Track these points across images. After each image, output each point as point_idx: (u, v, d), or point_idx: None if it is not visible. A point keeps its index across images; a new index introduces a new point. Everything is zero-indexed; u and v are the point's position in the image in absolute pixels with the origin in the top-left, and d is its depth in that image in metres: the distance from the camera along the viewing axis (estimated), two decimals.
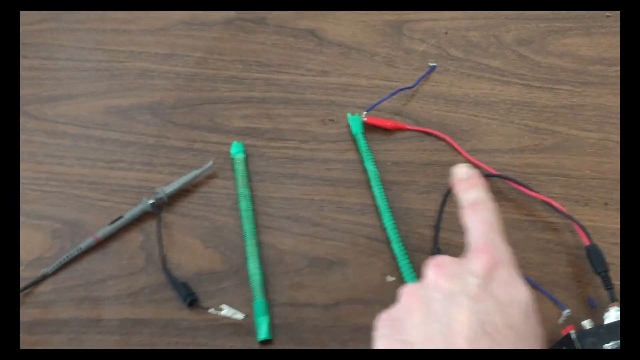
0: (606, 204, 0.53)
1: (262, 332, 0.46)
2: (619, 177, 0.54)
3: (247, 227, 0.51)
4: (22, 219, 0.51)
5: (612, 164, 0.55)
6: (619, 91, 0.59)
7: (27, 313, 0.48)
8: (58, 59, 0.60)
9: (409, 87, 0.59)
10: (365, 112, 0.56)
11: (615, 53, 0.61)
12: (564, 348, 0.42)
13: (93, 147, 0.55)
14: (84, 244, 0.49)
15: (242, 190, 0.52)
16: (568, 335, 0.42)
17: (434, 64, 0.60)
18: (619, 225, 0.52)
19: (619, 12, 0.63)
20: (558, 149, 0.56)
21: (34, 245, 0.50)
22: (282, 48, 0.61)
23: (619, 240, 0.51)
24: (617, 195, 0.53)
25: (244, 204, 0.52)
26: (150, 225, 0.51)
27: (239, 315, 0.46)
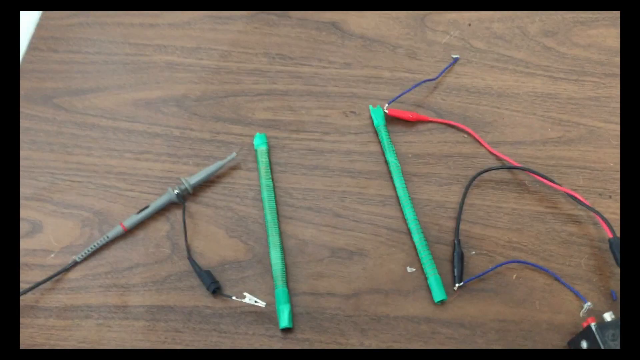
0: None
1: (284, 321, 0.47)
2: None
3: (270, 217, 0.51)
4: (52, 208, 0.53)
5: None
6: None
7: (57, 299, 0.49)
8: (87, 52, 0.62)
9: (432, 79, 0.59)
10: (387, 104, 0.56)
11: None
12: (582, 342, 0.42)
13: (120, 138, 0.57)
14: (112, 233, 0.51)
15: (265, 181, 0.53)
16: (589, 327, 0.42)
17: (457, 56, 0.60)
18: None
19: None
20: (582, 141, 0.55)
21: (64, 233, 0.52)
22: (305, 41, 0.62)
23: None
24: None
25: (267, 195, 0.52)
26: (176, 215, 0.53)
27: (261, 304, 0.47)
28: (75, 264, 0.50)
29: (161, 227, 0.52)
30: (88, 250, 0.50)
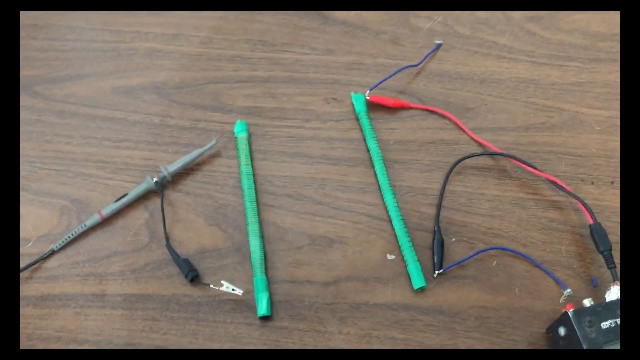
0: (612, 182, 0.52)
1: (262, 308, 0.47)
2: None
3: (249, 205, 0.51)
4: (30, 196, 0.53)
5: (619, 142, 0.54)
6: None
7: (34, 288, 0.49)
8: (67, 40, 0.61)
9: (414, 65, 0.58)
10: (368, 91, 0.56)
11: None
12: (560, 328, 0.42)
13: (100, 126, 0.56)
14: (90, 221, 0.50)
15: (245, 168, 0.53)
16: (566, 314, 0.41)
17: (440, 42, 0.60)
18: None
19: None
20: (565, 127, 0.55)
21: (42, 222, 0.52)
22: (287, 27, 0.61)
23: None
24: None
25: (246, 183, 0.52)
26: (155, 203, 0.52)
27: (238, 291, 0.46)
28: (53, 252, 0.50)
29: (140, 216, 0.52)
30: (66, 239, 0.50)
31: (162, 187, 0.52)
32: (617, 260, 0.47)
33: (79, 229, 0.50)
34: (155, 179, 0.51)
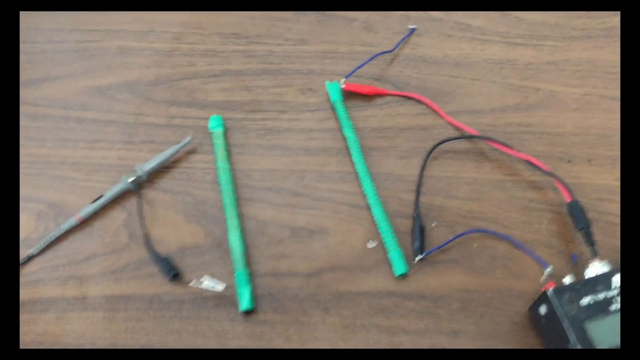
0: (590, 159, 0.52)
1: (244, 303, 0.46)
2: (602, 132, 0.53)
3: (228, 200, 0.51)
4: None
5: (596, 119, 0.54)
6: (603, 44, 0.57)
7: None
8: (36, 42, 0.60)
9: (388, 52, 0.58)
10: (343, 79, 0.56)
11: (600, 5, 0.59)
12: (542, 306, 0.42)
13: (73, 128, 0.55)
14: (67, 224, 0.50)
15: (222, 163, 0.52)
16: (545, 292, 0.41)
17: (414, 27, 0.59)
18: (603, 182, 0.51)
19: None
20: (541, 106, 0.55)
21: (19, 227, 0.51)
22: (259, 19, 0.61)
23: (602, 196, 0.50)
24: (601, 151, 0.52)
25: (224, 178, 0.52)
26: (132, 203, 0.52)
27: (220, 287, 0.46)
28: (31, 257, 0.49)
29: (118, 216, 0.51)
30: (43, 243, 0.49)
31: (138, 186, 0.51)
32: (597, 237, 0.47)
33: (56, 233, 0.50)
34: (131, 179, 0.51)
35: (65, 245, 0.50)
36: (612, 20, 0.59)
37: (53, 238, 0.50)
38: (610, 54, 0.57)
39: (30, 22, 0.61)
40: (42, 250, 0.50)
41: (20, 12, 0.62)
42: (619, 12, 0.59)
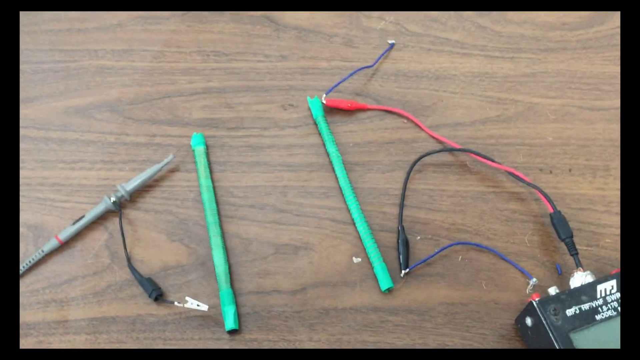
0: (570, 169, 0.52)
1: (229, 323, 0.46)
2: (582, 142, 0.54)
3: (210, 218, 0.50)
4: None
5: (575, 129, 0.54)
6: (580, 56, 0.58)
7: None
8: None
9: (368, 67, 0.58)
10: (324, 95, 0.56)
11: (575, 17, 0.60)
12: (526, 319, 0.42)
13: (53, 148, 0.55)
14: (47, 247, 0.49)
15: (204, 181, 0.52)
16: (531, 303, 0.42)
17: (393, 42, 0.60)
18: (583, 191, 0.52)
19: None
20: (520, 118, 0.55)
21: None
22: (239, 36, 0.61)
23: (583, 206, 0.51)
24: (581, 161, 0.53)
25: (207, 196, 0.51)
26: (114, 223, 0.51)
27: (203, 307, 0.45)
28: None
29: (99, 237, 0.51)
30: (24, 267, 0.49)
31: (120, 206, 0.51)
32: (580, 247, 0.48)
33: (37, 256, 0.49)
34: (112, 199, 0.50)
35: (46, 268, 0.49)
36: (587, 32, 0.59)
37: (34, 261, 0.49)
38: (587, 65, 0.58)
39: None
40: (22, 274, 0.49)
41: None
42: (595, 24, 0.60)
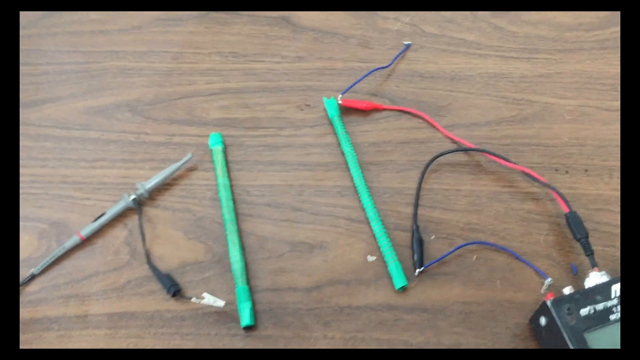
0: (586, 170, 0.52)
1: (245, 319, 0.47)
2: (598, 143, 0.54)
3: (228, 216, 0.51)
4: None
5: (591, 130, 0.54)
6: (597, 56, 0.58)
7: None
8: (38, 64, 0.61)
9: (384, 67, 0.58)
10: (340, 95, 0.56)
11: (592, 17, 0.60)
12: (540, 318, 0.42)
13: (75, 147, 0.56)
14: (69, 243, 0.50)
15: (222, 180, 0.53)
16: (544, 303, 0.42)
17: (409, 42, 0.60)
18: (600, 192, 0.51)
19: None
20: (536, 118, 0.55)
21: (21, 246, 0.51)
22: (257, 37, 0.62)
23: (600, 206, 0.51)
24: (597, 161, 0.53)
25: (224, 194, 0.52)
26: (133, 221, 0.52)
27: (220, 303, 0.46)
28: (34, 276, 0.50)
29: (119, 234, 0.52)
30: (46, 262, 0.50)
31: (139, 204, 0.52)
32: (596, 247, 0.47)
33: (59, 252, 0.50)
34: (132, 196, 0.51)
35: (67, 264, 0.51)
36: (604, 32, 0.59)
37: (56, 257, 0.50)
38: (603, 66, 0.57)
39: (32, 45, 0.62)
40: (44, 270, 0.50)
41: (21, 35, 0.63)
42: (612, 25, 0.59)
